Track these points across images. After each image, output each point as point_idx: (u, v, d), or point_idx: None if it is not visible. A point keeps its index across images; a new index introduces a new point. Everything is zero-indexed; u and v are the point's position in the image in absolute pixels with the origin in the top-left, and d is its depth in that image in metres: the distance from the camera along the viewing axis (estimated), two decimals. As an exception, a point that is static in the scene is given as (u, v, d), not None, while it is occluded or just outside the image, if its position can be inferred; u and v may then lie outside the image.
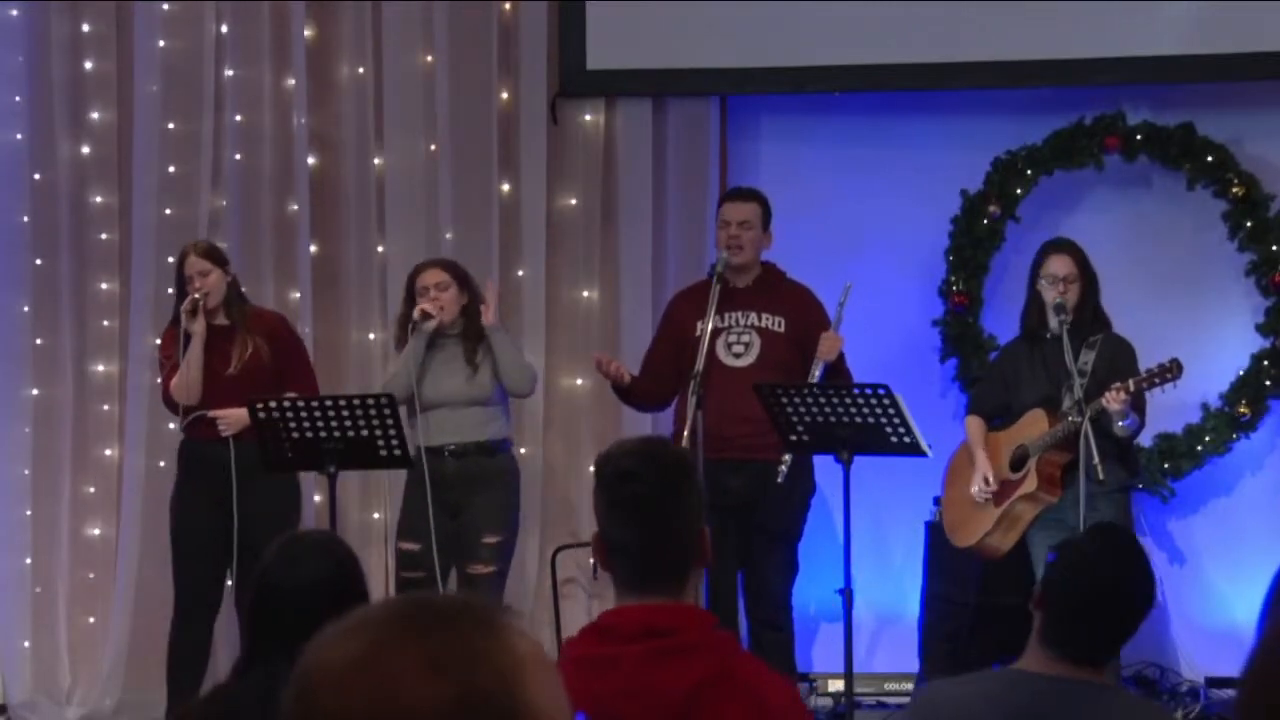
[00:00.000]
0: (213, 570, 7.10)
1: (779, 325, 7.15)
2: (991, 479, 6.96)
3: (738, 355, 7.08)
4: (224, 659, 7.31)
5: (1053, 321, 6.89)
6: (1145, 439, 7.60)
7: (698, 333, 7.09)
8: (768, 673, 3.11)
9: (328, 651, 1.55)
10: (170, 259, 7.98)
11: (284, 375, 7.10)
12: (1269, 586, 3.14)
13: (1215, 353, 7.88)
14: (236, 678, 3.50)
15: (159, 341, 7.43)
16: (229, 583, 7.13)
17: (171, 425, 7.12)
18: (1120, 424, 6.74)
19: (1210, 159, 7.94)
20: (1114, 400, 6.63)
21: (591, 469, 8.11)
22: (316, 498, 7.92)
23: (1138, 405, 6.81)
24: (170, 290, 7.46)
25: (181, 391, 7.04)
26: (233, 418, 6.99)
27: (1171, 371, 6.71)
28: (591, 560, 7.92)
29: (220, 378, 7.04)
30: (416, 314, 7.02)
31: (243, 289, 7.29)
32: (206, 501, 7.05)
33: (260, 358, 7.09)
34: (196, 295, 7.03)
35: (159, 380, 7.35)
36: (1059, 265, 6.98)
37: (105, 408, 8.19)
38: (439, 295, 7.06)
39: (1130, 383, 6.69)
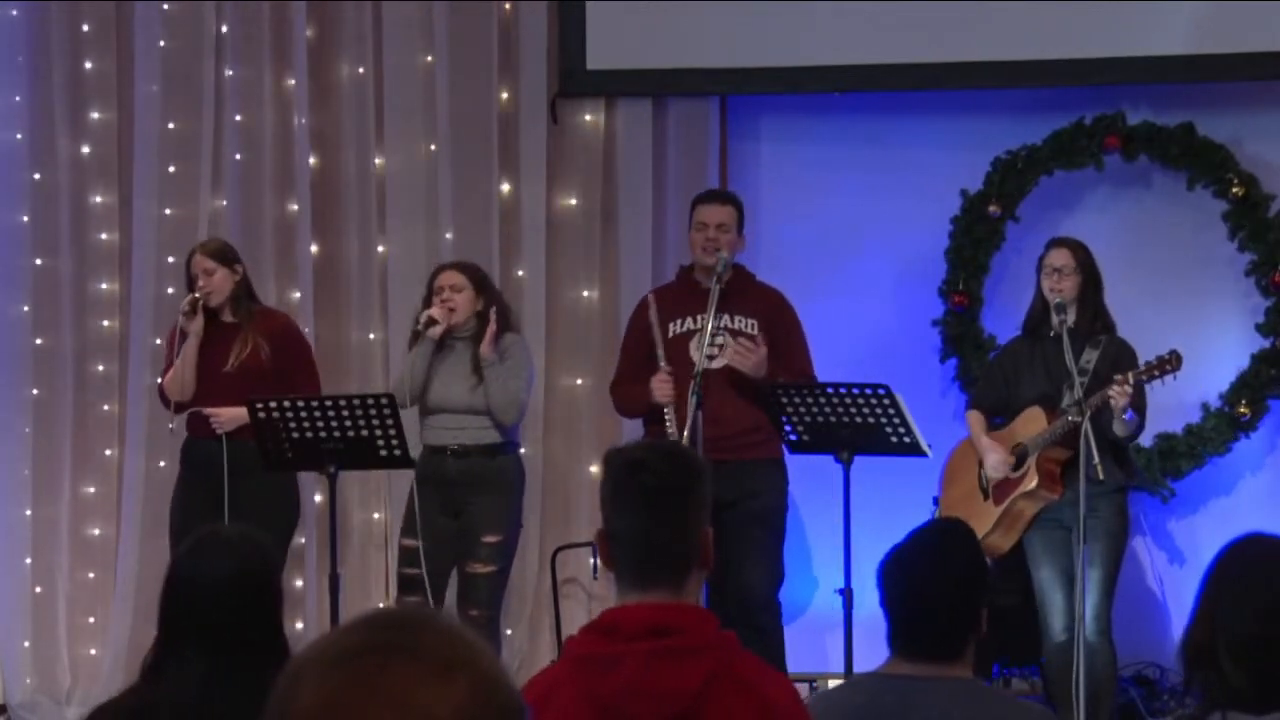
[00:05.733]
0: None
1: (751, 327, 7.13)
2: (1005, 458, 6.95)
3: (711, 356, 7.06)
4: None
5: (1054, 320, 6.90)
6: (1145, 439, 7.60)
7: (671, 334, 7.09)
8: (768, 671, 3.13)
9: (324, 686, 1.55)
10: (170, 259, 8.02)
11: (285, 377, 7.05)
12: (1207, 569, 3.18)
13: (1215, 353, 7.88)
14: (147, 679, 3.41)
15: (167, 336, 7.41)
16: None
17: (171, 426, 7.12)
18: (1122, 418, 6.73)
19: (1210, 159, 7.94)
20: (1119, 394, 6.62)
21: (592, 469, 8.13)
22: (317, 498, 7.93)
23: (1138, 405, 6.81)
24: (171, 290, 7.45)
25: (173, 388, 7.05)
26: (226, 415, 6.99)
27: (1171, 363, 6.70)
28: (592, 560, 7.93)
29: (217, 375, 7.03)
30: (423, 319, 7.01)
31: (253, 288, 7.29)
32: (203, 499, 7.04)
33: (259, 357, 7.06)
34: (197, 294, 7.04)
35: (159, 376, 7.38)
36: (1055, 257, 7.01)
37: (105, 408, 8.19)
38: (452, 296, 7.04)
39: (1130, 374, 6.69)
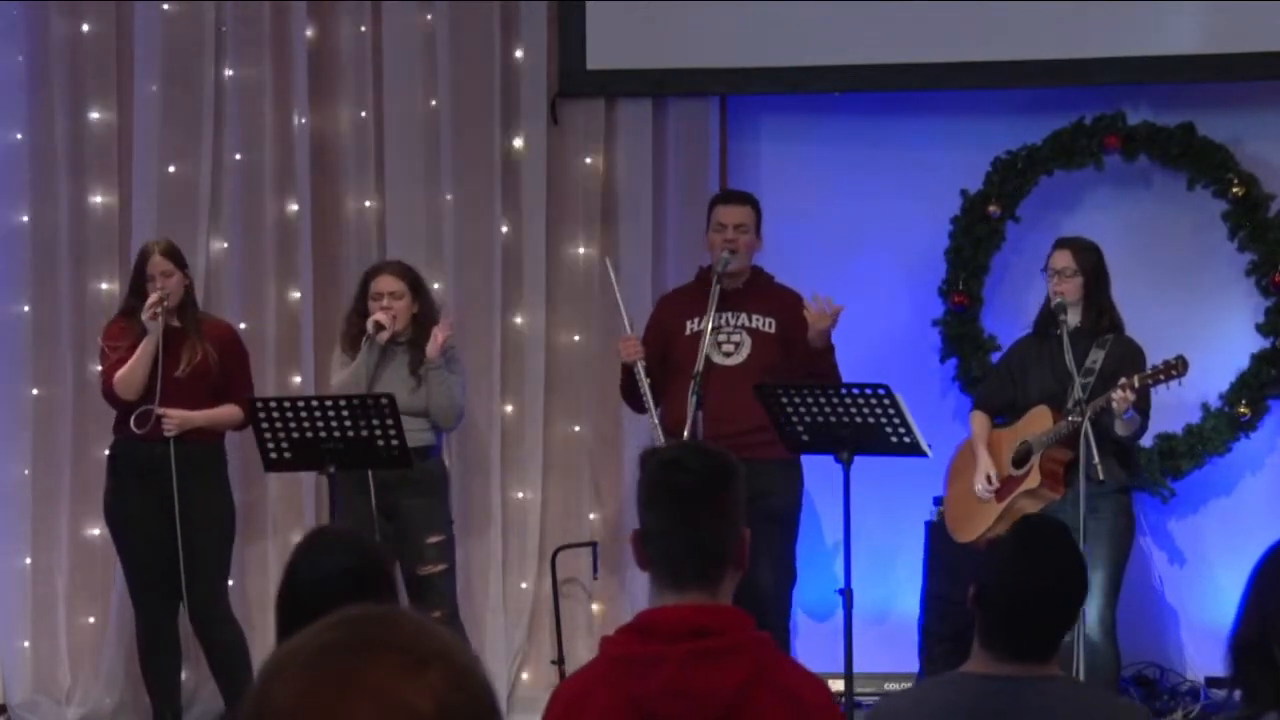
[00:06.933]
0: (164, 568, 7.08)
1: (769, 326, 7.17)
2: (994, 477, 6.99)
3: (728, 354, 7.11)
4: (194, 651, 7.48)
5: (1058, 320, 6.92)
6: (1146, 439, 7.60)
7: (688, 332, 7.13)
8: (802, 671, 3.13)
9: (301, 684, 1.54)
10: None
11: (226, 386, 7.12)
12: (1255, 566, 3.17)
13: (1215, 353, 7.88)
14: None
15: (104, 332, 7.40)
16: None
17: (136, 428, 7.11)
18: (1122, 418, 6.74)
19: (1210, 159, 7.94)
20: (1121, 401, 6.63)
21: (590, 466, 8.13)
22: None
23: (1141, 405, 6.81)
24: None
25: (124, 386, 7.06)
26: (179, 418, 7.02)
27: (1177, 368, 6.71)
28: (592, 560, 7.93)
29: (167, 379, 7.05)
30: (370, 325, 7.08)
31: (196, 296, 7.33)
32: (146, 501, 7.06)
33: (208, 364, 7.11)
34: (160, 295, 7.04)
35: (99, 370, 7.37)
36: (1056, 259, 7.05)
37: (105, 408, 8.17)
38: (392, 304, 7.12)
39: (1135, 379, 6.69)
